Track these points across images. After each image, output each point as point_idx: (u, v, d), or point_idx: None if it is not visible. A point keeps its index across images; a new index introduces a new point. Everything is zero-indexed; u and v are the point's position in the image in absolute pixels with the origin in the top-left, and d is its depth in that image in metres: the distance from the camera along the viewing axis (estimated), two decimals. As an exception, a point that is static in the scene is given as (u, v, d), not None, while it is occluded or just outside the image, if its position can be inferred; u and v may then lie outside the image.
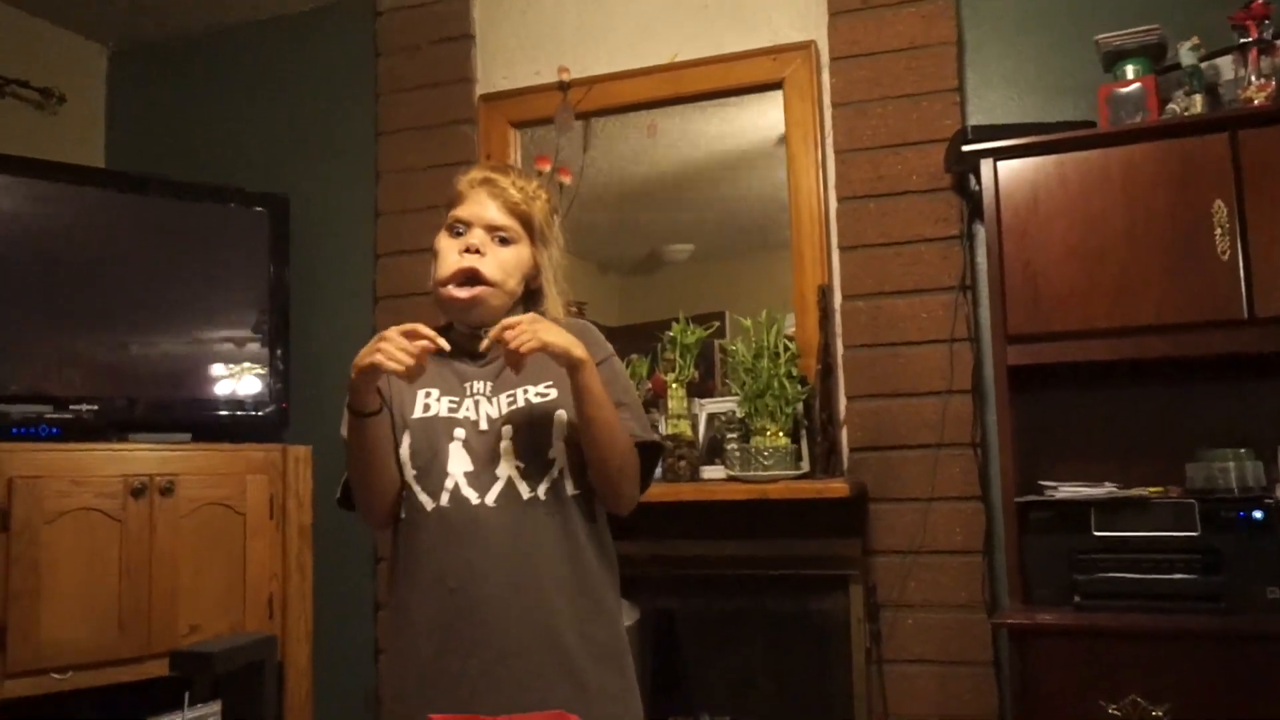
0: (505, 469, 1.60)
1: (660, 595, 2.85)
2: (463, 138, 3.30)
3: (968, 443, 2.64)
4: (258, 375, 3.21)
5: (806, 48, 2.97)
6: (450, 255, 1.65)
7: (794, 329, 2.84)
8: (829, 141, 2.92)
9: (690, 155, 3.21)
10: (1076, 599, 2.14)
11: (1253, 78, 2.30)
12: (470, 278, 1.63)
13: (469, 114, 3.31)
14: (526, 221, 1.68)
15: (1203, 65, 2.40)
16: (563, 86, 3.18)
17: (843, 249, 2.84)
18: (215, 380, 3.15)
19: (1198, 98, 2.38)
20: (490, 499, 1.58)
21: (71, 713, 2.55)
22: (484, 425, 1.62)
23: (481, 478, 1.59)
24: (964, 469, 2.63)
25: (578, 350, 1.54)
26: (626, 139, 3.22)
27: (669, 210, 3.23)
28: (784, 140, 2.98)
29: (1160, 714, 1.97)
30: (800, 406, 2.68)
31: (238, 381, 3.18)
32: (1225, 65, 2.41)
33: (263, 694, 1.89)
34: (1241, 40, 2.34)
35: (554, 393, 1.65)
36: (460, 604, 1.55)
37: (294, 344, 3.31)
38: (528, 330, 1.51)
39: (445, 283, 1.64)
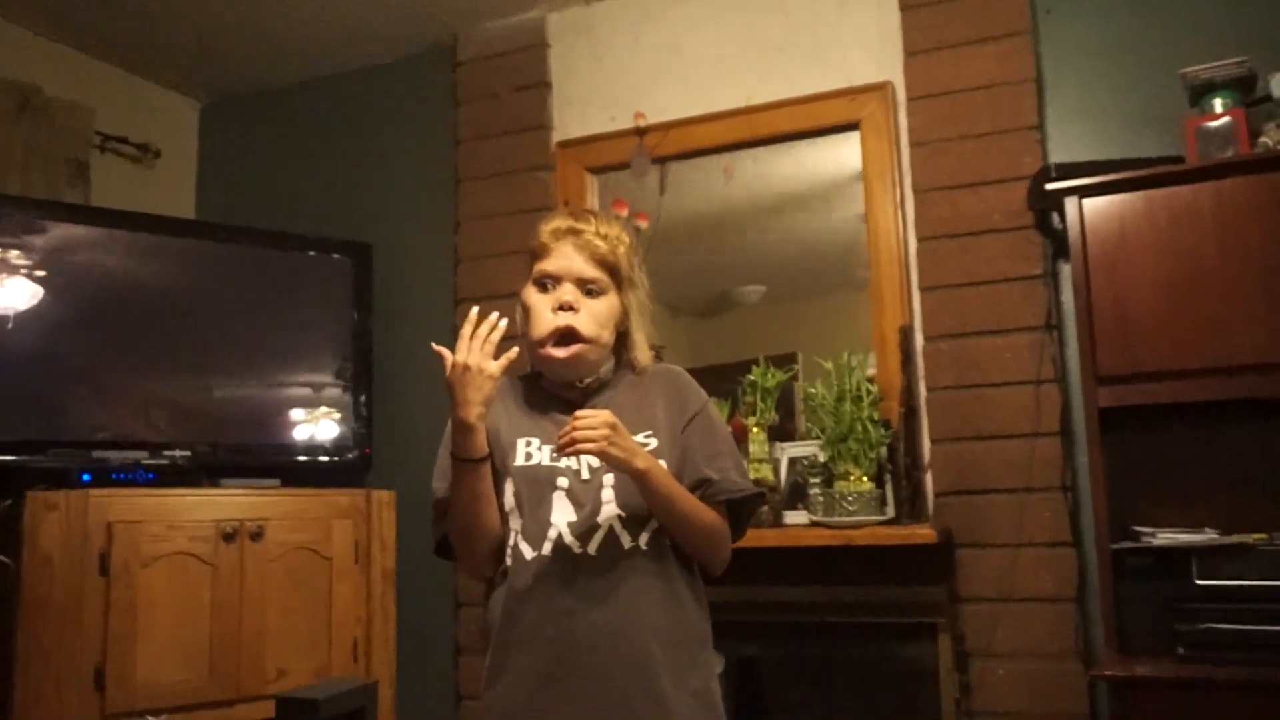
0: (607, 518, 1.60)
1: (744, 642, 2.81)
2: (540, 184, 3.35)
3: (1057, 486, 2.57)
4: (342, 421, 3.27)
5: (883, 88, 2.96)
6: (544, 313, 1.65)
7: (874, 370, 2.81)
8: (907, 181, 2.90)
9: (763, 195, 3.21)
10: (1180, 650, 2.06)
11: (1348, 108, 2.24)
12: (567, 335, 1.64)
13: (546, 160, 3.36)
14: (613, 270, 1.69)
15: (1295, 97, 2.34)
16: (639, 132, 3.22)
17: (923, 289, 2.81)
18: (301, 426, 3.22)
19: (1290, 130, 2.31)
20: (592, 548, 1.59)
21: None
22: (586, 475, 1.63)
23: (584, 527, 1.60)
24: (1054, 513, 2.57)
25: (640, 461, 1.55)
26: (700, 181, 3.23)
27: (741, 251, 3.24)
28: (859, 178, 2.97)
29: (1271, 772, 1.89)
30: (884, 450, 2.65)
31: (322, 427, 3.24)
32: (1317, 97, 2.35)
33: None
34: (1335, 70, 2.28)
35: (654, 441, 1.65)
36: (559, 653, 1.56)
37: (376, 390, 3.37)
38: (596, 434, 1.51)
39: (543, 343, 1.65)
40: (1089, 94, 2.78)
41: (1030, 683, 2.53)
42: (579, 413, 1.54)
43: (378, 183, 3.69)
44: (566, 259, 1.67)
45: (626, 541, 1.60)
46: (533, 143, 3.39)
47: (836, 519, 2.57)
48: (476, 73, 3.50)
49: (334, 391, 3.28)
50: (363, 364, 3.34)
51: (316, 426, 3.24)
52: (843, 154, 3.03)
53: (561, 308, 1.64)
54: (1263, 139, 2.35)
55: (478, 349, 1.53)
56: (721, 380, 2.91)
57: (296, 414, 3.23)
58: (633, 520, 1.61)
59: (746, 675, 2.89)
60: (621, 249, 1.71)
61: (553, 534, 1.59)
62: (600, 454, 1.51)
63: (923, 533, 2.48)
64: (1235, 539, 2.16)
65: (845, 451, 2.59)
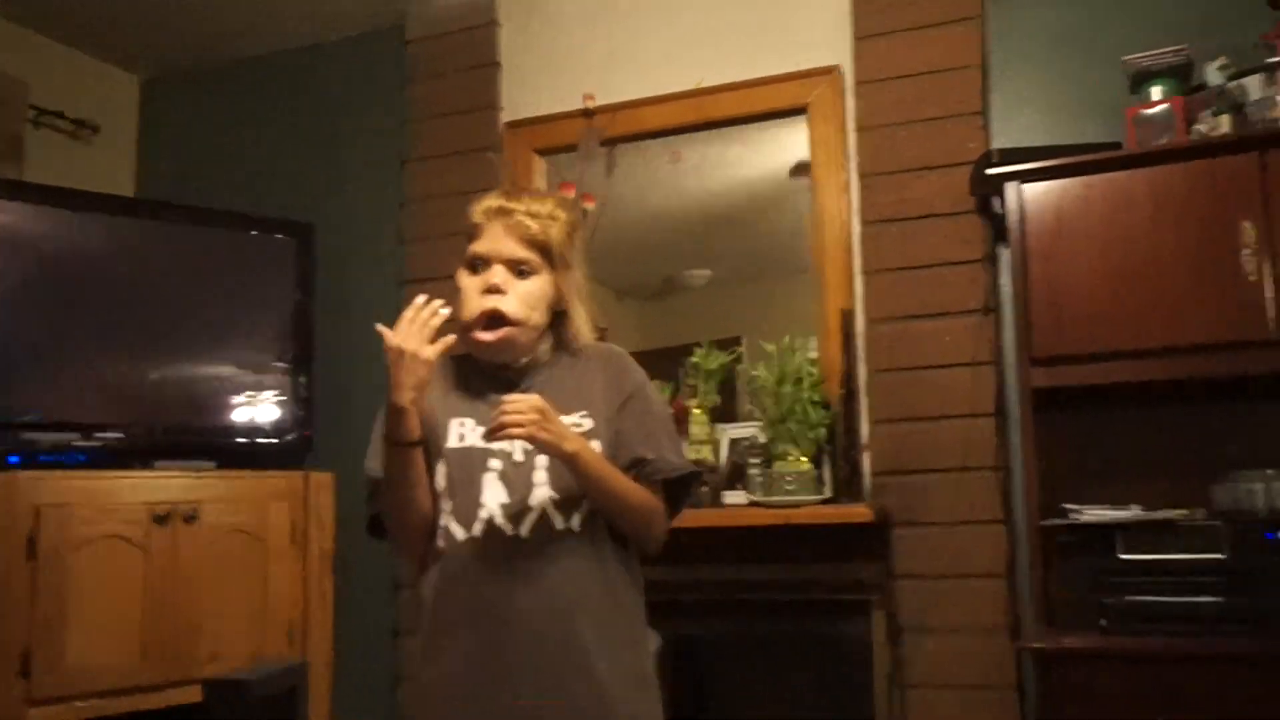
0: (539, 499, 1.59)
1: (682, 620, 2.80)
2: (488, 164, 3.32)
3: (991, 466, 2.60)
4: (281, 402, 3.23)
5: (832, 72, 2.97)
6: (472, 296, 1.63)
7: (816, 353, 2.82)
8: (853, 165, 2.91)
9: (712, 181, 3.21)
10: (1103, 623, 2.10)
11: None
12: (494, 318, 1.62)
13: (494, 141, 3.33)
14: (545, 249, 1.66)
15: (1230, 85, 2.38)
16: (587, 113, 3.20)
17: (866, 273, 2.83)
18: (239, 407, 3.17)
19: (1225, 118, 2.36)
20: (524, 530, 1.57)
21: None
22: (519, 456, 1.61)
23: (516, 509, 1.58)
24: (987, 492, 2.59)
25: (569, 444, 1.54)
26: (649, 165, 3.22)
27: (688, 235, 3.23)
28: (807, 164, 2.98)
29: (1190, 741, 1.93)
30: (823, 431, 2.66)
31: (261, 408, 3.20)
32: (1253, 85, 2.38)
33: (295, 716, 1.89)
34: (1269, 59, 2.31)
35: (588, 423, 1.64)
36: (492, 635, 1.55)
37: (318, 371, 3.33)
38: (524, 418, 1.50)
39: (471, 326, 1.63)
40: (1035, 80, 2.81)
41: (961, 656, 2.56)
42: (507, 398, 1.52)
43: (323, 162, 3.63)
44: (495, 240, 1.64)
45: (559, 523, 1.58)
46: (481, 123, 3.35)
47: (775, 498, 2.58)
48: (425, 51, 3.46)
49: (274, 373, 3.23)
50: (304, 345, 3.29)
51: (255, 408, 3.19)
52: (791, 139, 3.03)
53: (489, 290, 1.61)
54: (1198, 126, 2.39)
55: (415, 333, 1.51)
56: (666, 362, 2.91)
57: (235, 395, 3.17)
58: (565, 502, 1.59)
59: (685, 653, 2.90)
60: (555, 228, 1.67)
61: (484, 515, 1.58)
62: (528, 439, 1.50)
63: (859, 512, 2.50)
64: (1159, 515, 2.20)
65: (785, 432, 2.60)
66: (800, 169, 3.01)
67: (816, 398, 2.66)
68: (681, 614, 2.79)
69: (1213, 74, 2.41)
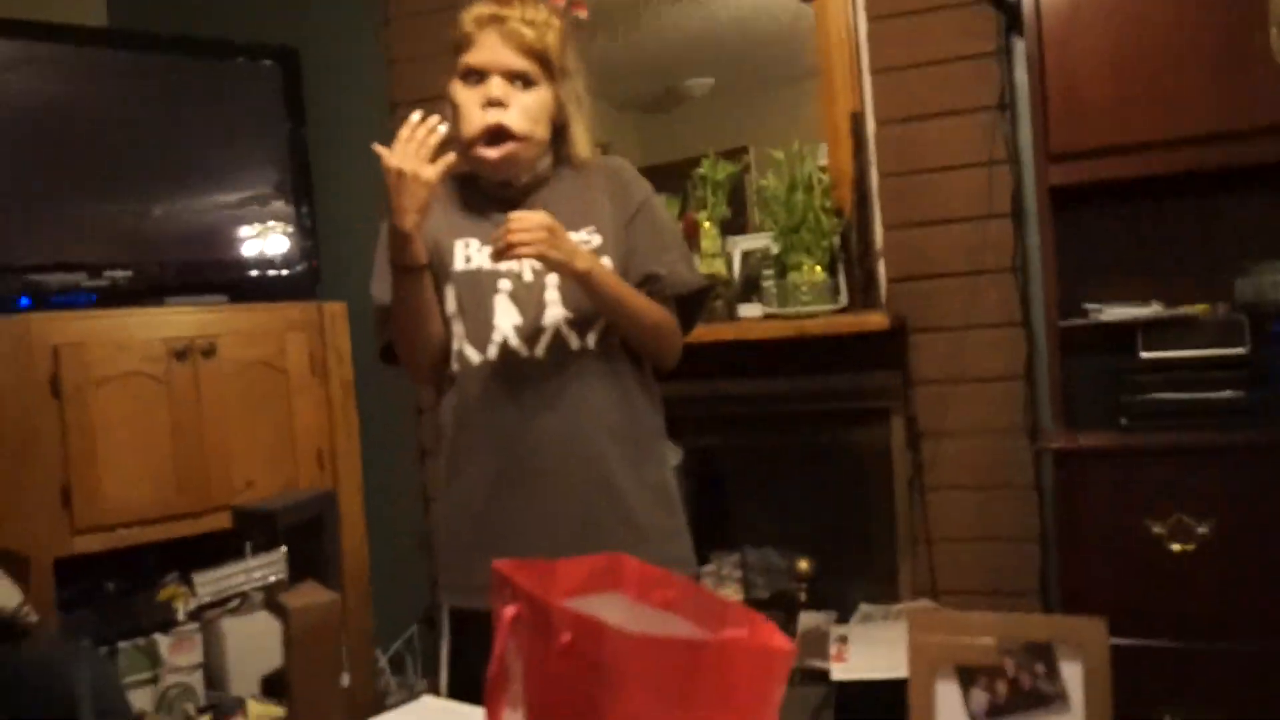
0: (553, 319, 1.58)
1: (701, 434, 2.87)
2: (474, -27, 3.15)
3: (1008, 268, 2.58)
4: (286, 233, 3.18)
5: None
6: (473, 110, 1.56)
7: (826, 159, 2.76)
8: (859, -44, 2.76)
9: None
10: (1123, 421, 2.12)
11: None
12: (498, 133, 1.56)
13: (482, -52, 3.15)
14: (544, 59, 1.59)
15: None
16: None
17: (874, 72, 2.72)
18: (244, 241, 3.13)
19: (1258, -116, 2.20)
20: (539, 351, 1.57)
21: (139, 566, 2.65)
22: (528, 276, 1.59)
23: (529, 329, 1.57)
24: (1003, 294, 2.58)
25: (580, 262, 1.50)
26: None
27: (688, 44, 3.10)
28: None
29: (1205, 530, 1.98)
30: (836, 239, 2.63)
31: (266, 241, 3.16)
32: None
33: (323, 547, 1.95)
34: None
35: (597, 239, 1.61)
36: (513, 456, 1.57)
37: (319, 200, 3.27)
38: (532, 236, 1.45)
39: (473, 142, 1.57)
40: None
41: (979, 458, 2.61)
42: (513, 215, 1.48)
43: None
44: (492, 50, 1.57)
45: (574, 343, 1.58)
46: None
47: (790, 309, 2.58)
48: None
49: (274, 204, 3.18)
50: (301, 174, 3.22)
51: (260, 241, 3.15)
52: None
53: (490, 103, 1.55)
54: (1228, -105, 2.24)
55: (413, 154, 1.45)
56: (671, 177, 2.85)
57: (238, 229, 3.13)
58: (579, 321, 1.58)
59: (706, 466, 2.97)
60: (551, 35, 1.60)
61: (498, 338, 1.58)
62: (538, 257, 1.47)
63: (875, 320, 2.49)
64: (1180, 311, 2.19)
65: (798, 242, 2.57)
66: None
67: (829, 204, 2.61)
68: (701, 428, 2.85)
69: None
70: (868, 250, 2.64)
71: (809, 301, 2.56)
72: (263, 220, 3.15)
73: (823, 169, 2.69)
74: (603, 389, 1.59)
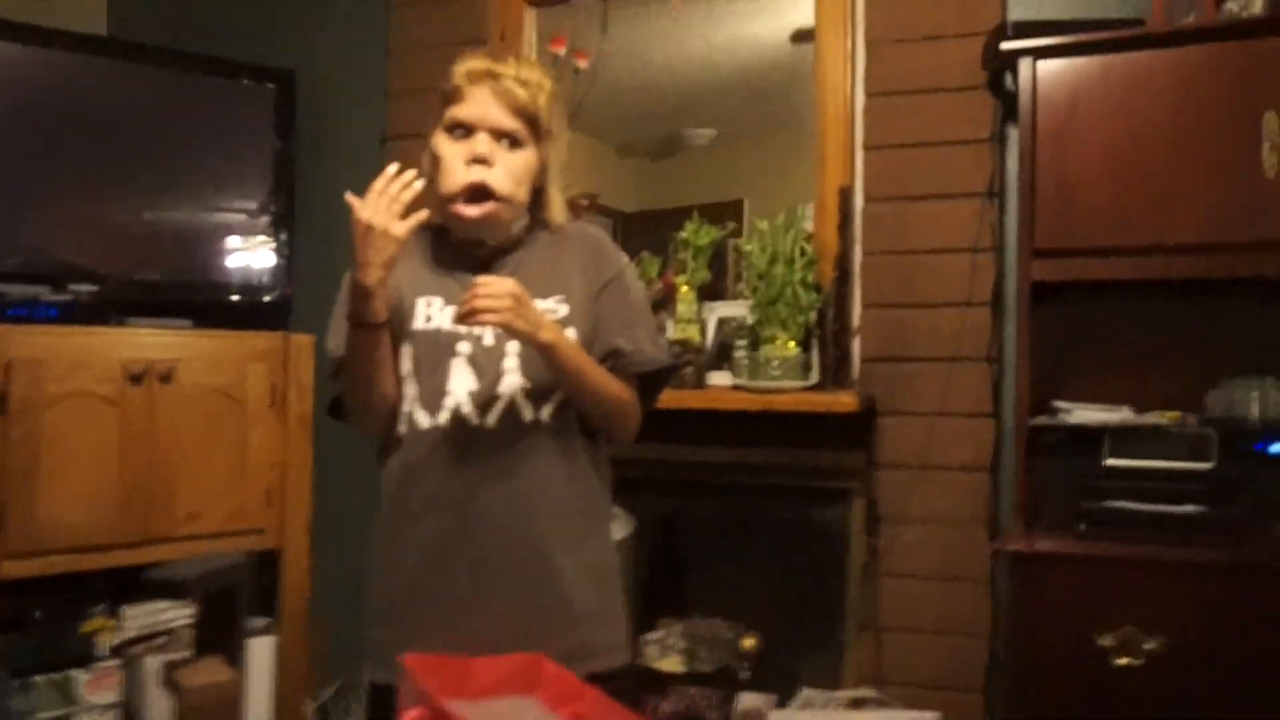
0: (508, 388, 1.53)
1: (660, 499, 2.83)
2: (476, 13, 3.14)
3: (983, 358, 2.55)
4: (261, 259, 3.14)
5: (841, -73, 2.77)
6: (456, 165, 1.52)
7: (812, 225, 2.73)
8: (860, 31, 2.75)
9: (716, 38, 3.05)
10: (1081, 526, 2.08)
11: (1318, -22, 2.12)
12: (479, 192, 1.52)
13: (483, -12, 3.15)
14: (533, 120, 1.56)
15: (1266, -38, 2.21)
16: (583, -36, 3.01)
17: (868, 148, 2.71)
18: (218, 263, 3.09)
19: (1258, -2, 2.20)
20: (491, 419, 1.53)
21: (72, 594, 2.57)
22: (489, 340, 1.55)
23: (484, 396, 1.53)
24: (977, 384, 2.55)
25: (545, 334, 1.46)
26: (648, 18, 3.06)
27: (691, 93, 3.10)
28: (807, 33, 2.81)
29: (1153, 646, 1.94)
30: (813, 314, 2.59)
31: (240, 265, 3.11)
32: (1291, -38, 2.23)
33: (235, 609, 1.88)
34: (1312, -65, 2.14)
35: (564, 309, 1.57)
36: (454, 525, 1.52)
37: (300, 228, 3.23)
38: (499, 303, 1.41)
39: (453, 198, 1.53)
40: (1057, -54, 2.62)
41: (937, 548, 2.57)
42: (480, 279, 1.44)
43: (304, 4, 3.43)
44: (482, 106, 1.53)
45: (528, 414, 1.54)
46: (470, -32, 3.16)
47: (760, 383, 2.54)
48: (411, -112, 3.23)
49: (254, 227, 3.14)
50: (285, 199, 3.18)
51: (234, 264, 3.10)
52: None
53: (475, 160, 1.51)
54: (1229, 4, 2.24)
55: (385, 208, 1.42)
56: (667, 227, 2.83)
57: (215, 251, 3.09)
58: (536, 392, 1.54)
59: (663, 531, 2.93)
60: (543, 98, 1.57)
61: (450, 403, 1.53)
62: (503, 325, 1.43)
63: (845, 401, 2.46)
64: (1149, 419, 2.16)
65: (773, 315, 2.54)
66: (800, 36, 2.85)
67: (809, 279, 2.58)
68: (661, 492, 2.81)
69: (1249, -52, 2.23)
70: (844, 327, 2.61)
71: (779, 376, 2.52)
72: (240, 243, 3.11)
73: (808, 237, 2.66)
74: (552, 464, 1.55)
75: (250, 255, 3.12)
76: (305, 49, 3.37)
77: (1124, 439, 2.12)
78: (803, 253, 2.59)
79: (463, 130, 1.53)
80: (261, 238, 3.14)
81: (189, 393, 2.74)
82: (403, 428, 1.56)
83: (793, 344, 2.54)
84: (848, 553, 2.64)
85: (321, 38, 3.39)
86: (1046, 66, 2.26)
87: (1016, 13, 2.58)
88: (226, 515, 2.77)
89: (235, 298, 3.09)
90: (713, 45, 3.05)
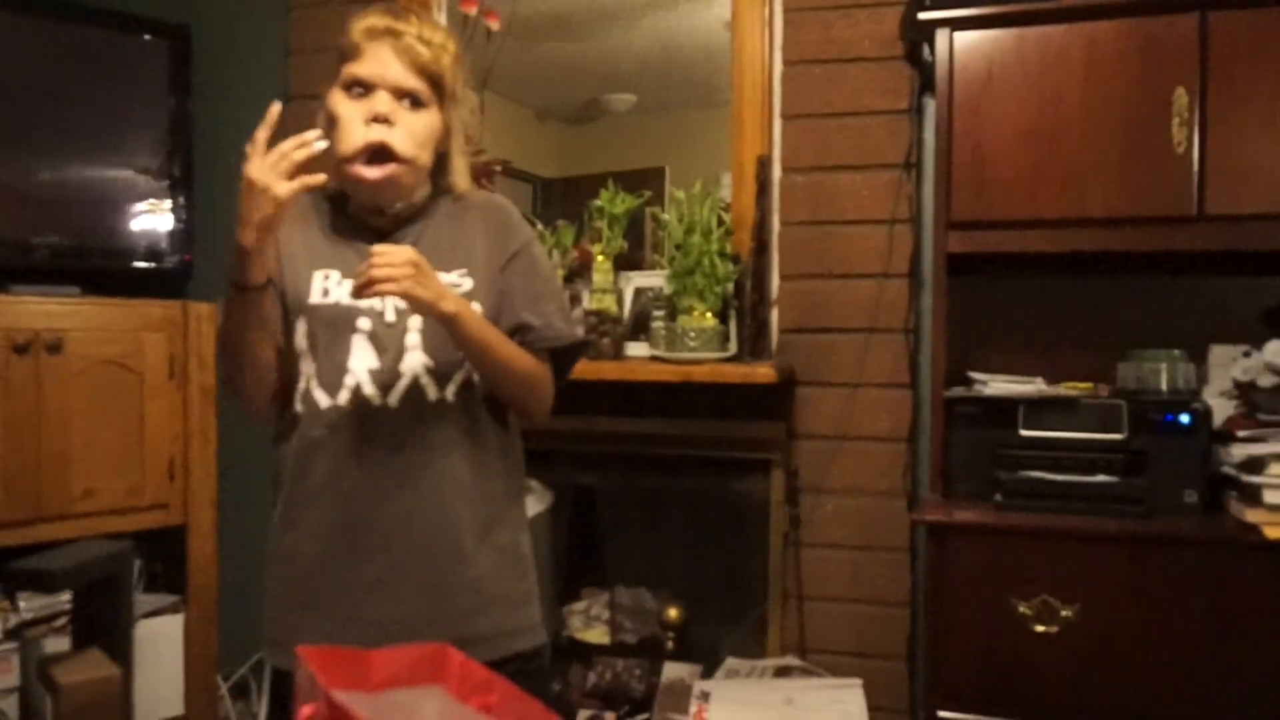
0: (411, 366, 1.46)
1: (580, 471, 2.80)
2: (384, -30, 3.02)
3: (900, 329, 2.56)
4: (159, 223, 2.99)
5: (760, -111, 2.72)
6: (354, 125, 1.44)
7: (730, 195, 2.70)
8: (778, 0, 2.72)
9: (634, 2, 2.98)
10: (998, 497, 2.10)
11: (1229, -46, 2.15)
12: (379, 152, 1.44)
13: (391, -57, 3.02)
14: (436, 81, 1.49)
15: (1180, -63, 2.23)
16: (495, -82, 2.91)
17: (785, 118, 2.68)
18: (111, 227, 2.92)
19: (1173, -29, 2.22)
20: (393, 399, 1.46)
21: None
22: (391, 316, 1.48)
23: (385, 375, 1.46)
24: (895, 355, 2.56)
25: (447, 304, 1.38)
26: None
27: (611, 57, 3.04)
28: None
29: (1069, 614, 1.97)
30: (730, 285, 2.57)
31: (136, 229, 2.96)
32: (1203, -62, 2.25)
33: (119, 603, 1.78)
34: (1223, -89, 2.16)
35: (468, 282, 1.51)
36: (355, 509, 1.45)
37: (198, 191, 3.09)
38: (397, 272, 1.34)
39: (351, 159, 1.44)
40: (978, -86, 2.61)
41: (857, 517, 2.58)
42: (377, 248, 1.37)
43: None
44: (382, 64, 1.45)
45: (432, 393, 1.47)
46: (377, -79, 3.03)
47: (677, 354, 2.50)
48: None
49: (149, 190, 2.98)
50: (182, 160, 3.03)
51: (129, 229, 2.95)
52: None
53: (375, 120, 1.43)
54: (1143, -21, 2.25)
55: (270, 165, 1.32)
56: (586, 194, 2.77)
57: (105, 214, 2.92)
58: (440, 370, 1.48)
59: (582, 504, 2.89)
60: (447, 58, 1.50)
61: (350, 381, 1.46)
62: (402, 295, 1.35)
63: (763, 372, 2.44)
64: (1061, 390, 2.19)
65: (691, 286, 2.50)
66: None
67: (726, 250, 2.55)
68: (578, 464, 2.78)
69: (1165, -77, 2.25)
70: (762, 298, 2.59)
71: (697, 348, 2.49)
72: (135, 206, 2.96)
73: (725, 206, 2.63)
74: (458, 445, 1.49)
75: (146, 219, 2.97)
76: (203, 3, 3.22)
77: (1037, 410, 2.14)
78: (720, 222, 2.56)
79: (361, 89, 1.45)
80: (158, 201, 2.98)
81: (79, 365, 2.60)
82: (300, 406, 1.48)
83: (710, 315, 2.52)
84: (769, 523, 2.64)
85: (219, -8, 3.24)
86: (963, 38, 2.25)
87: (937, -19, 2.57)
88: (126, 491, 2.65)
89: (131, 264, 2.94)
90: (629, 9, 2.98)
